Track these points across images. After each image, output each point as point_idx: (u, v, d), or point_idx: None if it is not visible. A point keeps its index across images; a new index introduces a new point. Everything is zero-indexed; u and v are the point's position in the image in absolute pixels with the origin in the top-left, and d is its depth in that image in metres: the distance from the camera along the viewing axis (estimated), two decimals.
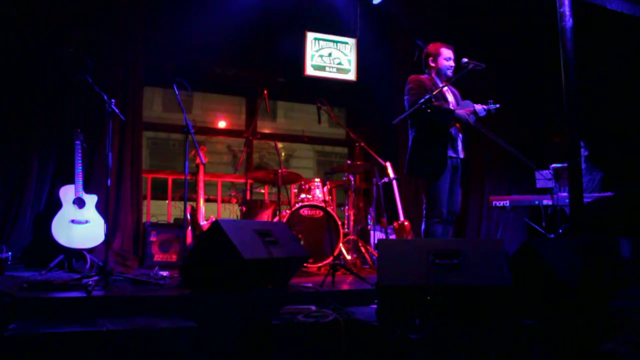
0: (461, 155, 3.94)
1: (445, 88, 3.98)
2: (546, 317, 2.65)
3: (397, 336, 2.32)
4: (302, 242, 4.65)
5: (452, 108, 3.91)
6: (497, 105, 3.91)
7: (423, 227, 3.89)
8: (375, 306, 2.81)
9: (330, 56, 6.53)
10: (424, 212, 3.89)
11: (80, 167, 4.62)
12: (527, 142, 6.17)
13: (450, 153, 3.87)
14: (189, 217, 4.53)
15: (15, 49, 4.78)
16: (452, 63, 3.95)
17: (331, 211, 5.01)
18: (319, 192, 5.18)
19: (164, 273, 3.98)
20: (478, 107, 3.90)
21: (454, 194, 3.92)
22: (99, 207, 4.64)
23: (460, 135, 3.94)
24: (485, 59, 3.85)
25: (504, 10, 6.00)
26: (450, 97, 4.01)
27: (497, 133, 3.92)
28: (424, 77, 3.99)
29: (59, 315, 2.67)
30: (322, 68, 6.50)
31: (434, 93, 3.69)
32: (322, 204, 5.02)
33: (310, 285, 3.47)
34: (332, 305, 2.92)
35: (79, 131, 4.70)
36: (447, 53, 3.96)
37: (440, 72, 3.96)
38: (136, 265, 4.97)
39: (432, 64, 3.99)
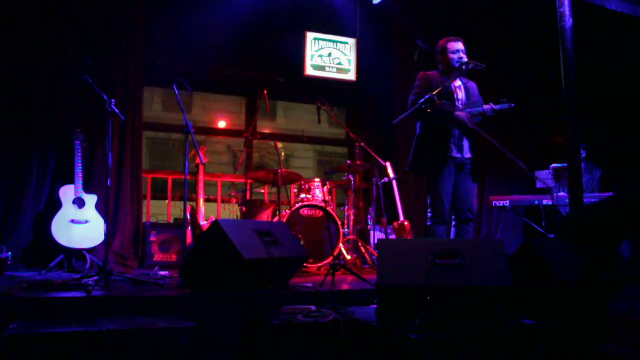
0: (467, 155, 3.87)
1: (459, 84, 3.93)
2: (546, 317, 2.64)
3: (397, 336, 2.32)
4: (302, 242, 4.64)
5: (457, 107, 3.84)
6: (512, 105, 3.76)
7: (427, 226, 3.88)
8: (375, 306, 2.81)
9: (330, 56, 6.53)
10: (428, 212, 3.88)
11: (80, 167, 4.62)
12: (527, 142, 6.18)
13: (455, 154, 3.83)
14: (189, 217, 4.53)
15: (15, 48, 4.78)
16: (461, 55, 3.83)
17: (331, 211, 5.01)
18: (319, 192, 5.18)
19: (164, 273, 3.98)
20: (487, 107, 3.79)
21: (462, 192, 3.85)
22: (99, 207, 4.64)
23: (467, 135, 3.87)
24: (485, 58, 3.84)
25: (504, 10, 6.00)
26: (460, 94, 3.92)
27: (496, 132, 3.90)
28: (433, 72, 3.93)
29: (59, 315, 2.67)
30: (322, 68, 6.50)
31: (435, 92, 3.65)
32: (322, 204, 5.02)
33: (310, 285, 3.47)
34: (332, 305, 2.91)
35: (79, 131, 4.70)
36: (454, 46, 3.87)
37: (449, 67, 3.87)
38: (136, 265, 4.97)
39: (441, 60, 3.93)
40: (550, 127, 6.41)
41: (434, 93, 3.65)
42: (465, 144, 3.88)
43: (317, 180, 5.26)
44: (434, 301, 2.55)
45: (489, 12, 6.08)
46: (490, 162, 6.35)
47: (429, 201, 3.88)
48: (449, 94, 3.86)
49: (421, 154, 3.88)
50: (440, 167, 3.79)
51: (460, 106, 3.89)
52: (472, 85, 4.03)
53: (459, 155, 3.85)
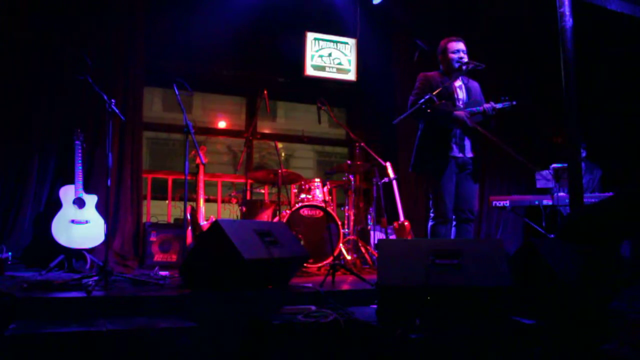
0: (469, 155, 3.87)
1: (460, 84, 3.93)
2: (546, 317, 2.64)
3: (397, 336, 2.32)
4: (302, 242, 4.64)
5: (458, 107, 3.83)
6: (514, 102, 3.75)
7: (429, 226, 3.88)
8: (375, 306, 2.81)
9: (330, 56, 6.53)
10: (431, 212, 3.88)
11: (80, 167, 4.62)
12: (527, 142, 6.18)
13: (456, 153, 3.82)
14: (189, 217, 4.53)
15: (15, 49, 4.78)
16: (461, 55, 3.83)
17: (331, 211, 5.01)
18: (319, 192, 5.18)
19: (164, 273, 3.98)
20: (487, 106, 3.78)
21: (463, 193, 3.84)
22: (99, 207, 4.64)
23: (468, 135, 3.86)
24: (485, 59, 3.84)
25: (504, 10, 6.00)
26: (461, 94, 3.92)
27: (496, 133, 3.90)
28: (433, 73, 3.94)
29: (59, 315, 2.67)
30: (322, 68, 6.50)
31: (434, 92, 3.65)
32: (322, 204, 5.02)
33: (310, 285, 3.47)
34: (332, 305, 2.91)
35: (79, 131, 4.70)
36: (454, 46, 3.86)
37: (449, 67, 3.87)
38: (136, 265, 4.97)
39: (442, 60, 3.93)
40: (550, 127, 6.41)
41: (433, 93, 3.65)
42: (467, 143, 3.87)
43: (317, 180, 5.26)
44: (434, 301, 2.55)
45: (488, 11, 6.08)
46: (490, 162, 6.36)
47: (430, 201, 3.88)
48: (450, 94, 3.85)
49: (423, 154, 3.87)
50: (442, 167, 3.78)
51: (461, 106, 3.87)
52: (474, 84, 4.03)
53: (460, 155, 3.84)
